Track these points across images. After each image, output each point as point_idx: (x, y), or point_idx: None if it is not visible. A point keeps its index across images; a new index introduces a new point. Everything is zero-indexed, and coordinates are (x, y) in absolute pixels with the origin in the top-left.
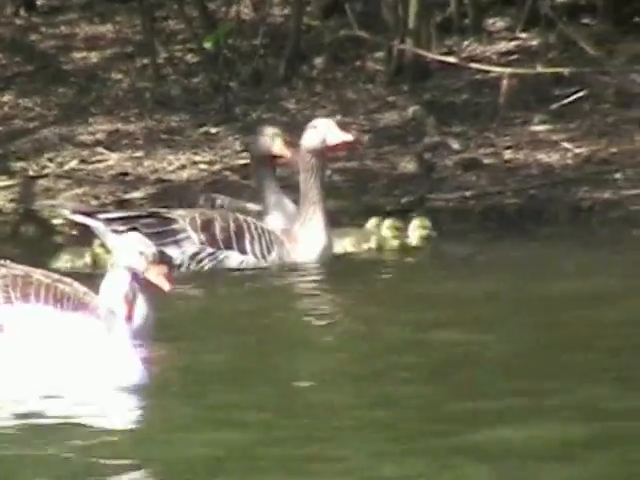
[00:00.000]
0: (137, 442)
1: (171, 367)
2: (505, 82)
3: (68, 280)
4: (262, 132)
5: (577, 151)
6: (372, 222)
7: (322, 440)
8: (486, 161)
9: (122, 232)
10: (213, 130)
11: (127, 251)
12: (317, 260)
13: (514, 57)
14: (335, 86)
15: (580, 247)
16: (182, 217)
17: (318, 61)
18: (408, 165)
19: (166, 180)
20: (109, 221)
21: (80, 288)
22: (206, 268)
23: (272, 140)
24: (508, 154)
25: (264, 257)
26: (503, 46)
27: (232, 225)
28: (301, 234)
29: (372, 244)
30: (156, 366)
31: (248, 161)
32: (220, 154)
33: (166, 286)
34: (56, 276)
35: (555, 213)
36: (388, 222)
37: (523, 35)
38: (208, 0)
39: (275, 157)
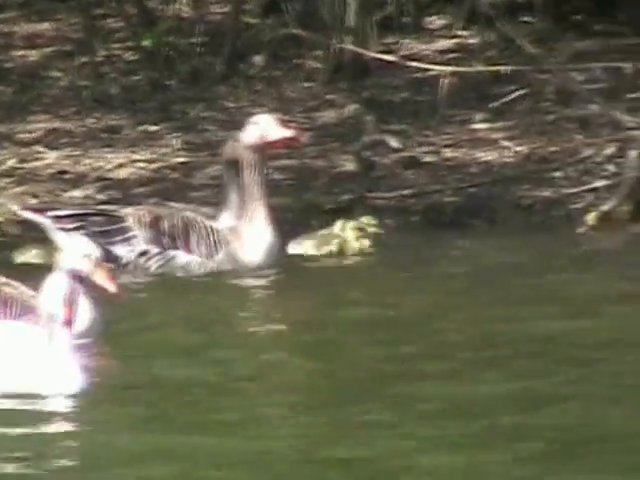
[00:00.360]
0: (75, 447)
1: (113, 373)
2: (445, 80)
3: (15, 283)
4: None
5: (517, 149)
6: (338, 225)
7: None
8: (425, 159)
9: (70, 230)
10: (152, 128)
11: (71, 253)
12: (263, 258)
13: (454, 55)
14: (274, 84)
15: (516, 244)
16: (130, 215)
17: (257, 59)
18: (347, 163)
19: (105, 178)
20: (57, 219)
21: (27, 292)
22: (153, 268)
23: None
24: (447, 152)
25: (211, 257)
26: (443, 44)
27: (179, 224)
28: (246, 232)
29: (333, 247)
30: (97, 372)
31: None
32: (159, 152)
33: (112, 288)
34: (3, 279)
35: (494, 211)
36: (352, 224)
37: (463, 33)
38: None
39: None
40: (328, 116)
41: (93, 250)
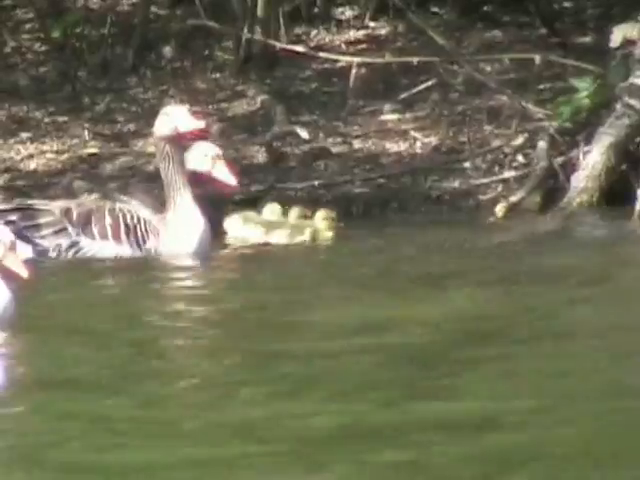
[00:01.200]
0: None
1: (27, 364)
2: (354, 71)
3: None
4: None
5: (426, 140)
6: (294, 212)
7: None
8: (335, 150)
9: None
10: (61, 119)
11: None
12: (197, 246)
13: (363, 46)
14: (183, 75)
15: (424, 235)
16: (58, 209)
17: (166, 50)
18: (257, 154)
19: (14, 169)
20: None
21: None
22: (82, 259)
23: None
24: (357, 143)
25: (139, 247)
26: (352, 35)
27: (107, 216)
28: (173, 221)
29: (306, 237)
30: (9, 362)
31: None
32: (68, 143)
33: (24, 273)
34: None
35: (404, 202)
36: (321, 213)
37: (372, 24)
38: None
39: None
40: (238, 107)
41: (6, 235)
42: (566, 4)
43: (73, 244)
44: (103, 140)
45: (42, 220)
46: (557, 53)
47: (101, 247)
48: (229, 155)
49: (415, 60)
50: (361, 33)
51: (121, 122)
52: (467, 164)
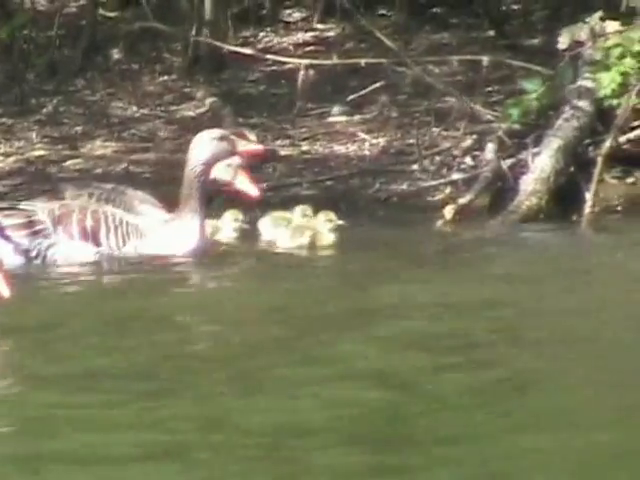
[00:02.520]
0: None
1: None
2: (302, 73)
3: None
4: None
5: (374, 142)
6: (298, 211)
7: None
8: (283, 153)
9: None
10: (9, 122)
11: None
12: (186, 251)
13: (311, 48)
14: (131, 77)
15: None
16: (42, 209)
17: (114, 52)
18: None
19: None
20: None
21: None
22: (61, 260)
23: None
24: (305, 146)
25: (118, 248)
26: (300, 37)
27: (89, 217)
28: (174, 227)
29: (305, 239)
30: None
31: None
32: (16, 146)
33: (6, 292)
34: None
35: (352, 204)
36: (323, 215)
37: (320, 26)
38: None
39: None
40: (185, 109)
41: None
42: (514, 6)
43: (52, 244)
44: (51, 142)
45: (23, 220)
46: (505, 55)
47: (79, 248)
48: (176, 158)
49: (363, 62)
50: (309, 35)
51: (69, 124)
52: (415, 166)
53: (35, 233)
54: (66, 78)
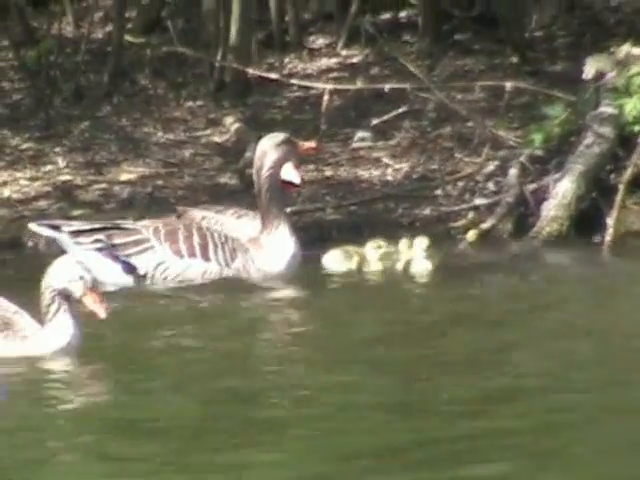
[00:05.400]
0: None
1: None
2: (326, 98)
3: None
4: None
5: (397, 167)
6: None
7: None
8: (307, 177)
9: (86, 244)
10: (36, 147)
11: (65, 274)
12: (285, 267)
13: (335, 74)
14: (157, 103)
15: None
16: (145, 228)
17: (140, 77)
18: (229, 181)
19: None
20: (74, 234)
21: (10, 307)
22: (170, 277)
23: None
24: (329, 170)
25: (227, 265)
26: (324, 63)
27: (195, 234)
28: (268, 242)
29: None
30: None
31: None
32: (42, 170)
33: (102, 314)
34: None
35: (375, 229)
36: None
37: (344, 52)
38: (30, 17)
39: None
40: (211, 135)
41: (89, 273)
42: (537, 33)
43: (161, 262)
44: (77, 167)
45: (130, 239)
46: (528, 81)
47: (189, 265)
48: (202, 182)
49: (387, 87)
50: (333, 61)
51: (95, 149)
52: (438, 191)
53: (143, 251)
54: (93, 103)
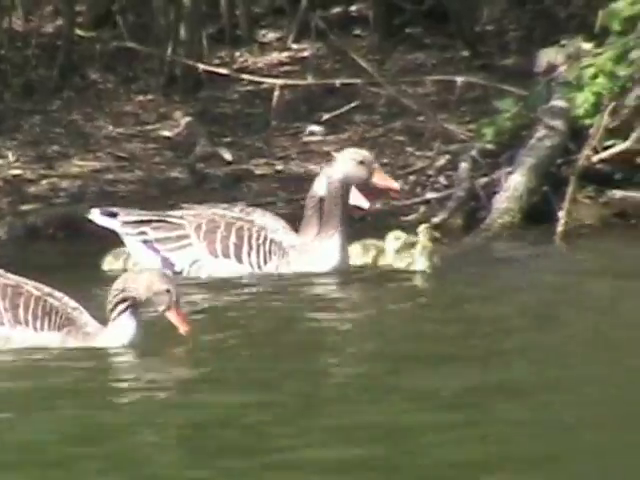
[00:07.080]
0: None
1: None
2: (277, 93)
3: (59, 294)
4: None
5: None
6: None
7: None
8: (258, 172)
9: (132, 235)
10: None
11: (153, 286)
12: (330, 271)
13: (286, 68)
14: (107, 97)
15: None
16: (189, 223)
17: (90, 72)
18: (180, 175)
19: None
20: (125, 224)
21: (70, 303)
22: (203, 275)
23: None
24: (280, 164)
25: (259, 267)
26: (275, 57)
27: (233, 234)
28: (315, 247)
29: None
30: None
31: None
32: None
33: (185, 329)
34: (47, 289)
35: None
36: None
37: (295, 46)
38: None
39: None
40: (161, 129)
41: (176, 287)
42: (488, 27)
43: (196, 260)
44: (28, 162)
45: (172, 234)
46: (479, 75)
47: (221, 265)
48: (152, 177)
49: (338, 82)
50: (284, 55)
51: (45, 143)
52: None
53: (181, 248)
54: (43, 97)
